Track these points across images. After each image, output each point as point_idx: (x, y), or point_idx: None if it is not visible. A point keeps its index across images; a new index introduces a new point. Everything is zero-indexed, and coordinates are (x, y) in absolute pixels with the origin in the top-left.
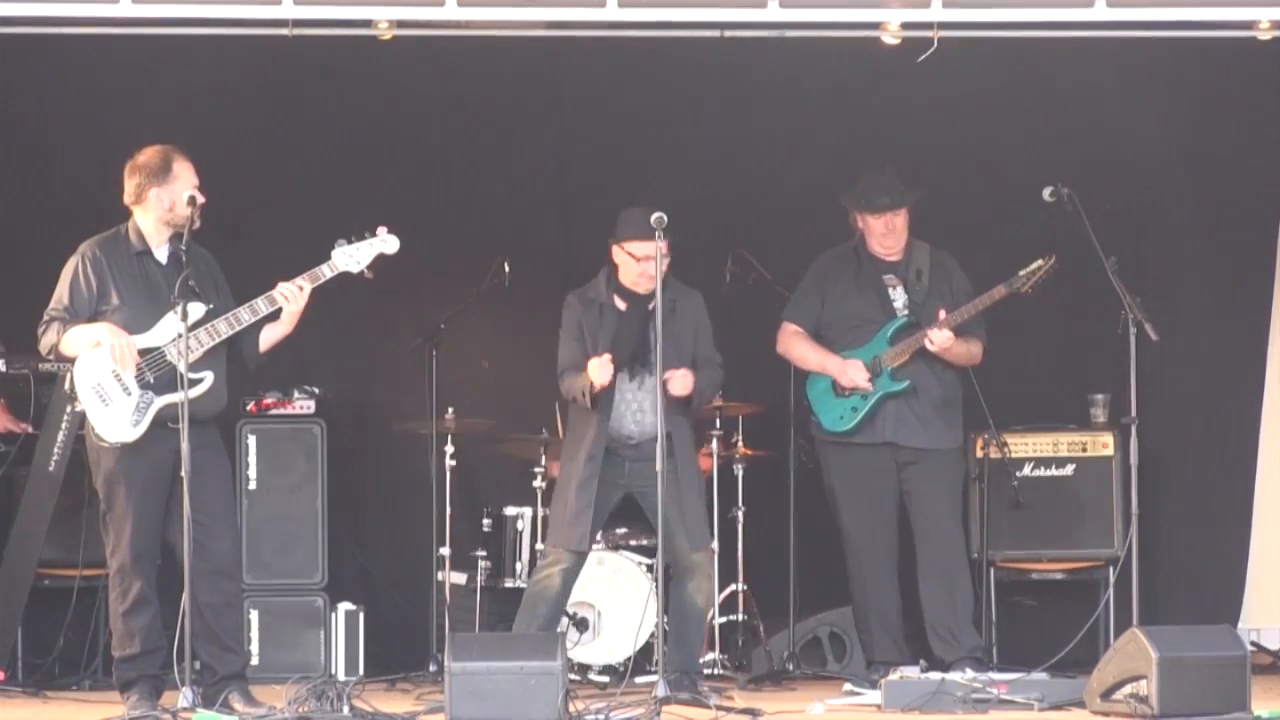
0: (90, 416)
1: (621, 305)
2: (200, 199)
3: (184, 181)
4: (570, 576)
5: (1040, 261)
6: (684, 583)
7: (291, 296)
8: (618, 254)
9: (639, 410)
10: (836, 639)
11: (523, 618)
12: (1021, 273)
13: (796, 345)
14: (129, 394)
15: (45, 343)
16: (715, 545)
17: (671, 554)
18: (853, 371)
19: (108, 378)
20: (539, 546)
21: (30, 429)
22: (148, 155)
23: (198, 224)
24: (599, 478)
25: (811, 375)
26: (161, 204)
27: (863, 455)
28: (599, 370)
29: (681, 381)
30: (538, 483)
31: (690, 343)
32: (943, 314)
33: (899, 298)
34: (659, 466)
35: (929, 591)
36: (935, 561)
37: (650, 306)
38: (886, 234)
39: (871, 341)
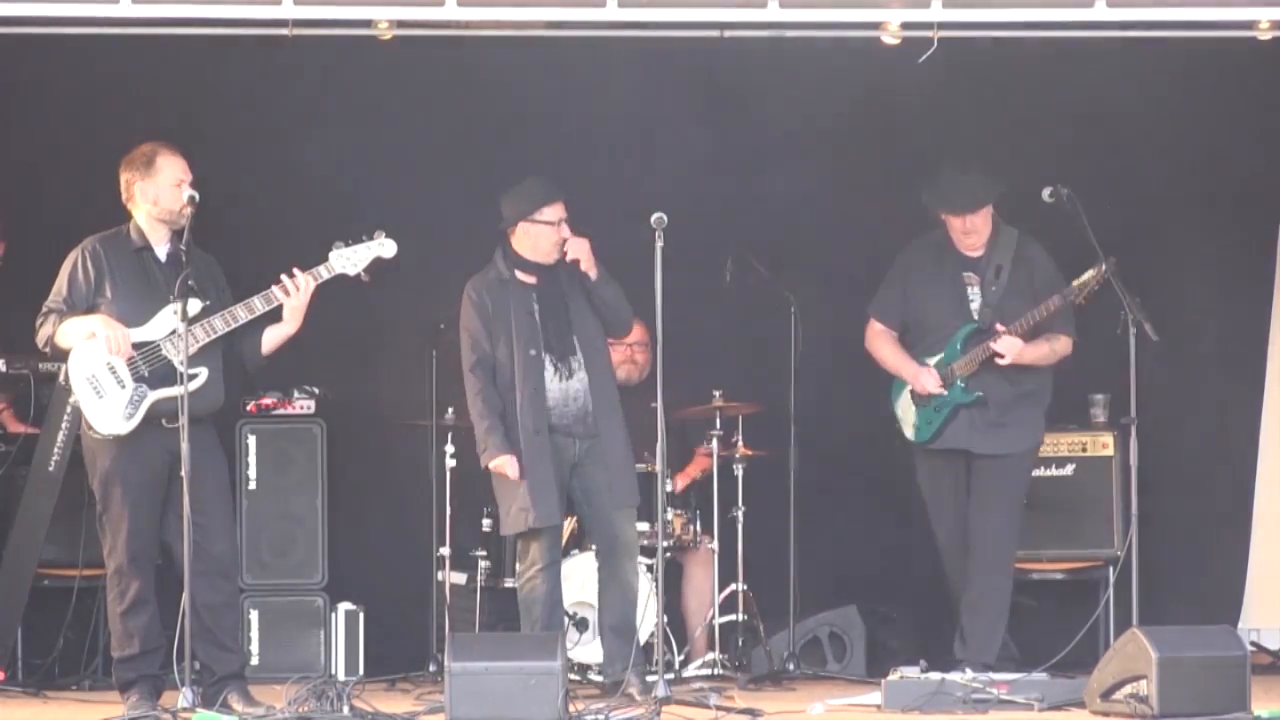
0: (83, 408)
1: (531, 279)
2: (195, 196)
3: (167, 175)
4: (554, 572)
5: (1092, 272)
6: (621, 560)
7: (292, 290)
8: (525, 231)
9: (565, 399)
10: (836, 639)
11: (524, 627)
12: (1075, 283)
13: (879, 345)
14: (123, 387)
15: (42, 335)
16: (715, 545)
17: (607, 529)
18: (924, 379)
19: (102, 369)
20: None
21: (34, 429)
22: (136, 152)
23: (187, 218)
24: (551, 454)
25: (895, 381)
26: (147, 198)
27: (941, 461)
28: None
29: (579, 248)
30: None
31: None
32: (1000, 327)
33: (975, 298)
34: (659, 467)
35: (969, 596)
36: (979, 569)
37: (561, 278)
38: (967, 233)
39: (946, 347)
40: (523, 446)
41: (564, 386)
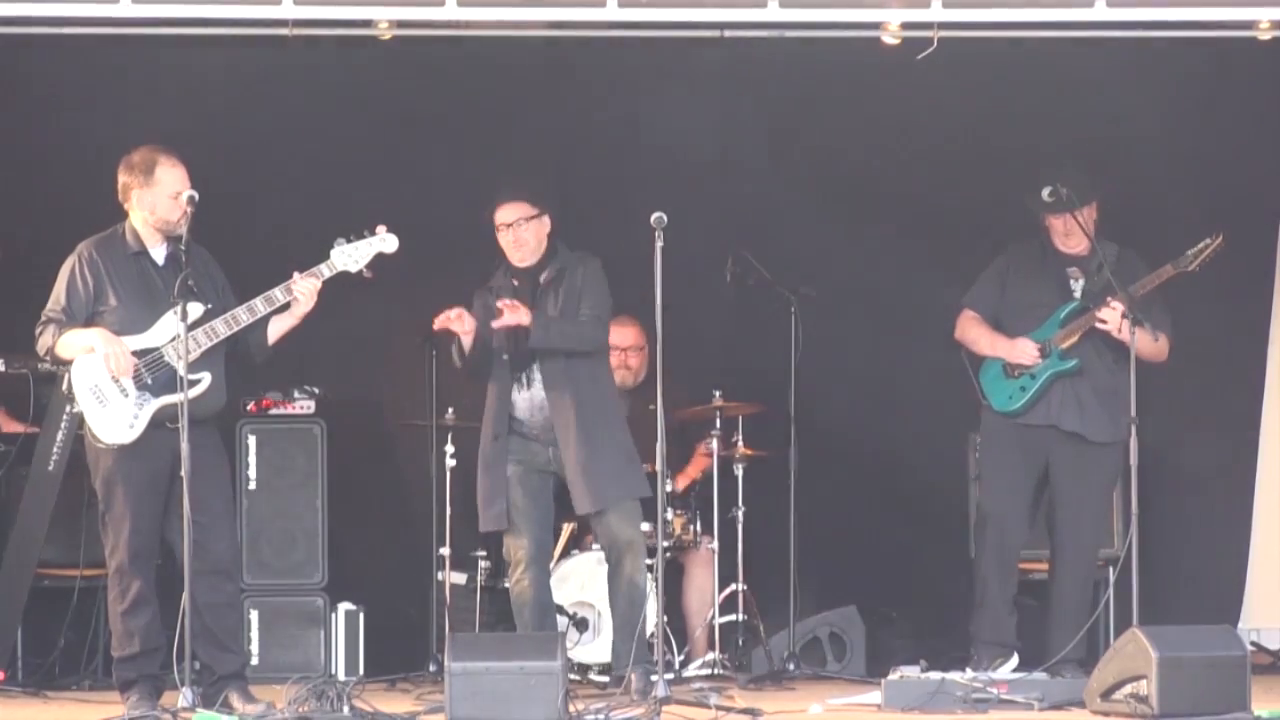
0: (87, 417)
1: (517, 284)
2: (194, 196)
3: (166, 186)
4: (539, 573)
5: (1207, 240)
6: (622, 556)
7: (299, 296)
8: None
9: (531, 409)
10: (836, 639)
11: (517, 629)
12: (1189, 252)
13: (971, 329)
14: (126, 395)
15: (42, 345)
16: (715, 545)
17: (599, 529)
18: (1022, 346)
19: (105, 379)
20: None
21: (34, 428)
22: (136, 156)
23: (185, 227)
24: (515, 459)
25: (985, 360)
26: (144, 205)
27: (1019, 434)
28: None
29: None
30: None
31: (574, 305)
32: (1109, 298)
33: (1078, 287)
34: (660, 489)
35: (1055, 588)
36: (1060, 561)
37: (541, 280)
38: (1067, 234)
39: (1045, 324)
40: (483, 449)
41: (528, 395)
